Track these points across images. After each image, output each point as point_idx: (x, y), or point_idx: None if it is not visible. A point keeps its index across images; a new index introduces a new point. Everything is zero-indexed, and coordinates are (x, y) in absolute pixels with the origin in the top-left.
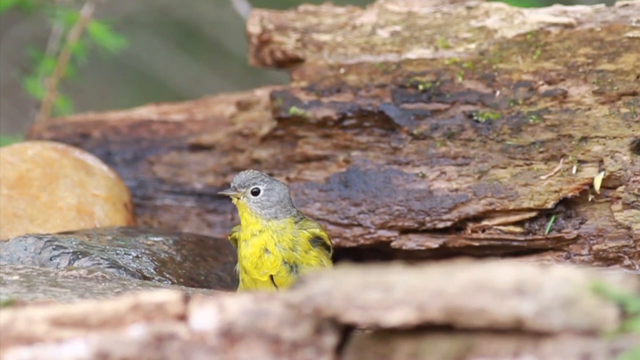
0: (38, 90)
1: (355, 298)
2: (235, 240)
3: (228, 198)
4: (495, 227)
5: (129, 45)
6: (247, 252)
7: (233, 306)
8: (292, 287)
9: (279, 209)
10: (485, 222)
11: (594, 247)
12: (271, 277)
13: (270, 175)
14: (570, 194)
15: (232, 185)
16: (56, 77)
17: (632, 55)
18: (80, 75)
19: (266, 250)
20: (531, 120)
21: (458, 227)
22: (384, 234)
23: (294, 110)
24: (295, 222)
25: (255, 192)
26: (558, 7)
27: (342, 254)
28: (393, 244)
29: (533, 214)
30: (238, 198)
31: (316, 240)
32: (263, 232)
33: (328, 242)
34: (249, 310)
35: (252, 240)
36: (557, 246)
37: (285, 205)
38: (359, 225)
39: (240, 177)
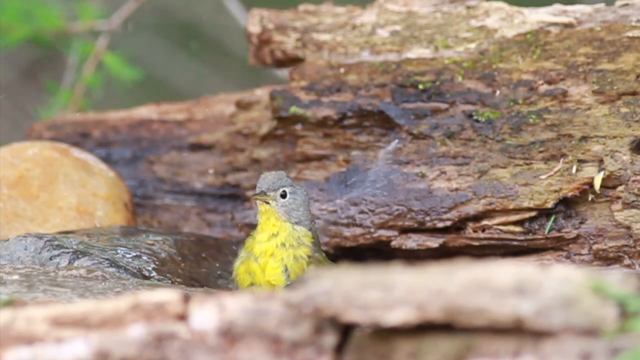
0: None
1: (355, 298)
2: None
3: (230, 198)
4: (495, 226)
5: (126, 46)
6: (260, 248)
7: (233, 306)
8: (292, 287)
9: (303, 212)
10: (485, 222)
11: (594, 247)
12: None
13: None
14: (570, 194)
15: (258, 188)
16: (72, 110)
17: (632, 54)
18: (96, 107)
19: (272, 255)
20: (531, 120)
21: (458, 226)
22: (383, 233)
23: (294, 109)
24: (313, 243)
25: (283, 195)
26: (558, 7)
27: (342, 254)
28: (393, 243)
29: (533, 214)
30: (267, 202)
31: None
32: (279, 235)
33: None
34: (249, 309)
35: (267, 243)
36: (557, 246)
37: (306, 210)
38: (359, 225)
39: (267, 180)
